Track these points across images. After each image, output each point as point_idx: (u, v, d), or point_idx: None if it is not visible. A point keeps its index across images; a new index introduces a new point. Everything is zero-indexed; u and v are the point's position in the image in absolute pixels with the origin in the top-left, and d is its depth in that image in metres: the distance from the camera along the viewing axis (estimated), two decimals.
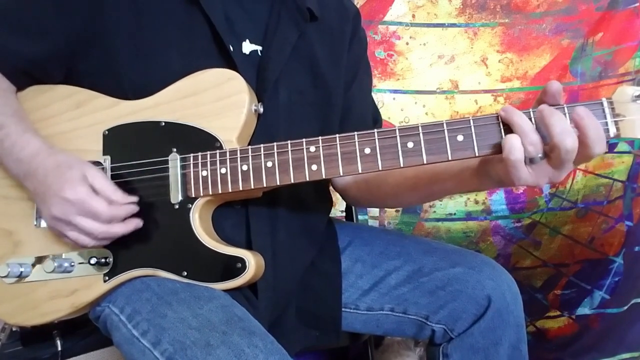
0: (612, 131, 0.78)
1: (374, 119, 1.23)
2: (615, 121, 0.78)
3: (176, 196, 0.93)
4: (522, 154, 0.77)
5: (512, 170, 0.78)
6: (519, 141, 0.76)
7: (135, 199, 0.93)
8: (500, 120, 0.81)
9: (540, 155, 0.77)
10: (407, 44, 2.06)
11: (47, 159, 0.91)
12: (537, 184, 0.79)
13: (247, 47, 1.03)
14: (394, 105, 2.05)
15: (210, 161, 0.92)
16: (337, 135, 0.87)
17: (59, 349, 1.13)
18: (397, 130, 0.84)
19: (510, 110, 0.79)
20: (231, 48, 0.97)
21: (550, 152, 0.76)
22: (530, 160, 0.78)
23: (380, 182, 1.08)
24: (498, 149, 0.80)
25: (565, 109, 0.78)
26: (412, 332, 1.13)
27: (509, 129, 0.80)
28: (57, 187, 0.88)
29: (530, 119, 0.79)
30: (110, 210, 0.89)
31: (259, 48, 1.04)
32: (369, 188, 1.12)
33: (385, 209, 2.02)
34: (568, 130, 0.75)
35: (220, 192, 0.91)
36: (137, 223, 0.93)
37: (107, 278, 0.95)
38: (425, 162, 0.83)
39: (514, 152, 0.76)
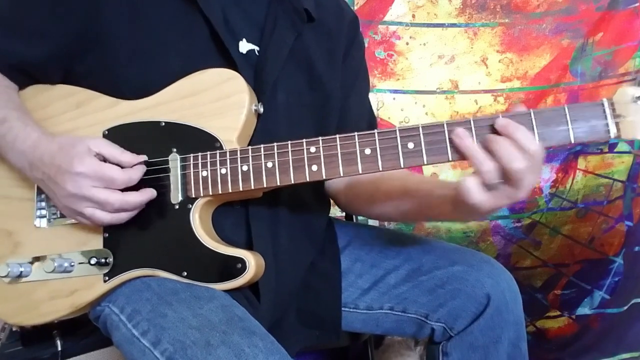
0: (613, 132, 0.78)
1: (368, 124, 1.23)
2: (616, 122, 0.78)
3: (176, 196, 0.93)
4: (480, 197, 0.78)
5: (473, 208, 0.81)
6: (475, 184, 0.78)
7: (144, 157, 0.93)
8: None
9: (499, 180, 0.78)
10: (407, 44, 2.06)
11: (50, 144, 0.91)
12: (498, 206, 0.80)
13: (244, 46, 1.02)
14: (394, 105, 2.05)
15: (210, 161, 0.92)
16: (338, 135, 0.87)
17: (59, 349, 1.13)
18: (397, 131, 0.84)
19: (461, 135, 0.80)
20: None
21: (505, 174, 0.78)
22: (488, 187, 0.79)
23: (370, 200, 1.10)
24: None
25: (566, 109, 0.79)
26: (412, 331, 1.13)
27: None
28: (67, 164, 0.88)
29: (530, 120, 0.80)
30: (125, 173, 0.89)
31: (256, 48, 1.03)
32: (359, 204, 1.15)
33: None
34: (514, 155, 0.76)
35: (220, 192, 0.91)
36: (151, 193, 0.92)
37: (107, 278, 0.94)
38: (425, 162, 0.83)
39: (472, 196, 0.79)
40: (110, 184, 0.88)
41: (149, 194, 0.92)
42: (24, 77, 1.02)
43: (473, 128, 0.81)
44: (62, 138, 0.93)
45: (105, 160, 0.91)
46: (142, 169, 0.92)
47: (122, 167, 0.91)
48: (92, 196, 0.88)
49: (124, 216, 0.92)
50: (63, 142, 0.91)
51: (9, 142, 0.94)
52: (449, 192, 0.89)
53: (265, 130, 0.98)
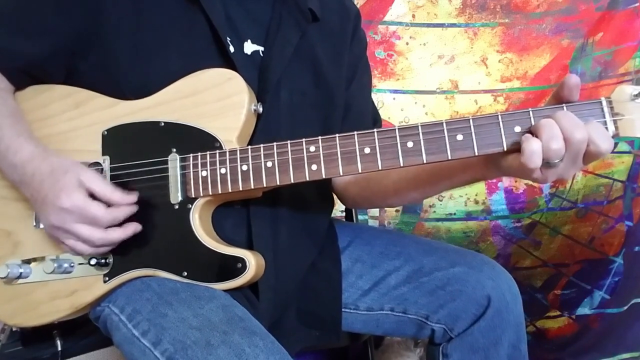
0: (611, 130, 0.78)
1: (373, 119, 1.23)
2: (614, 120, 0.78)
3: (176, 196, 0.93)
4: (541, 161, 0.76)
5: (527, 172, 0.78)
6: (539, 147, 0.75)
7: (134, 197, 0.92)
8: (500, 120, 0.80)
9: (558, 160, 0.77)
10: (407, 44, 2.06)
11: (42, 164, 0.90)
12: (546, 182, 0.80)
13: (249, 47, 1.03)
14: (394, 105, 2.05)
15: (210, 161, 0.92)
16: (337, 135, 0.87)
17: (59, 349, 1.13)
18: (396, 130, 0.84)
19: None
20: (232, 49, 0.97)
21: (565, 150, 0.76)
22: (547, 164, 0.77)
23: (382, 178, 1.07)
24: (498, 148, 0.81)
25: (565, 108, 0.79)
26: (412, 332, 1.13)
27: (508, 128, 0.80)
28: (53, 195, 0.87)
29: (529, 118, 0.79)
30: (109, 213, 0.89)
31: (261, 48, 1.04)
32: (369, 185, 1.11)
33: (386, 208, 2.02)
34: (577, 123, 0.75)
35: (220, 192, 0.91)
36: (135, 227, 0.92)
37: (107, 278, 0.94)
38: (425, 161, 0.83)
39: (534, 160, 0.76)
40: (93, 224, 0.88)
41: (131, 229, 0.91)
42: (25, 78, 1.02)
43: (472, 126, 0.81)
44: (55, 159, 0.91)
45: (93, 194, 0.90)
46: (131, 209, 0.92)
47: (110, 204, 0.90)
48: (74, 231, 0.88)
49: (105, 250, 0.92)
50: (55, 165, 0.90)
51: (1, 151, 0.93)
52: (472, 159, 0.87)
53: (267, 129, 0.99)
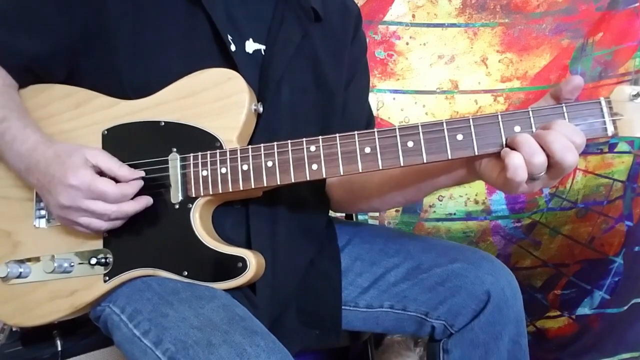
0: (610, 130, 0.78)
1: (367, 122, 1.23)
2: (613, 120, 0.78)
3: (176, 196, 0.93)
4: (526, 174, 0.76)
5: (512, 185, 0.78)
6: (522, 161, 0.76)
7: (142, 173, 0.93)
8: (500, 119, 0.81)
9: (542, 173, 0.77)
10: (407, 44, 2.06)
11: (47, 151, 0.91)
12: (531, 192, 0.80)
13: (251, 46, 1.03)
14: (394, 105, 2.05)
15: (210, 161, 0.92)
16: (338, 134, 0.87)
17: (59, 349, 1.13)
18: (397, 130, 0.84)
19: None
20: (233, 48, 0.98)
21: (551, 167, 0.76)
22: (531, 178, 0.77)
23: (365, 182, 1.07)
24: (497, 147, 0.81)
25: (564, 107, 0.79)
26: (412, 329, 1.13)
27: (508, 128, 0.80)
28: (60, 174, 0.88)
29: (529, 118, 0.79)
30: (118, 188, 0.89)
31: (263, 47, 1.04)
32: (353, 189, 1.12)
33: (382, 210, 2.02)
34: (568, 146, 0.75)
35: (220, 191, 0.91)
36: (147, 200, 0.92)
37: (107, 278, 0.95)
38: (425, 161, 0.83)
39: (519, 174, 0.76)
40: (103, 199, 0.88)
41: (144, 201, 0.92)
42: (28, 76, 1.02)
43: (472, 126, 0.82)
44: (60, 145, 0.92)
45: (101, 172, 0.90)
46: (139, 184, 0.92)
47: (118, 181, 0.90)
48: (87, 207, 0.88)
49: (120, 223, 0.92)
50: (60, 149, 0.91)
51: (7, 142, 0.94)
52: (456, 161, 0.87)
53: (268, 128, 0.99)
